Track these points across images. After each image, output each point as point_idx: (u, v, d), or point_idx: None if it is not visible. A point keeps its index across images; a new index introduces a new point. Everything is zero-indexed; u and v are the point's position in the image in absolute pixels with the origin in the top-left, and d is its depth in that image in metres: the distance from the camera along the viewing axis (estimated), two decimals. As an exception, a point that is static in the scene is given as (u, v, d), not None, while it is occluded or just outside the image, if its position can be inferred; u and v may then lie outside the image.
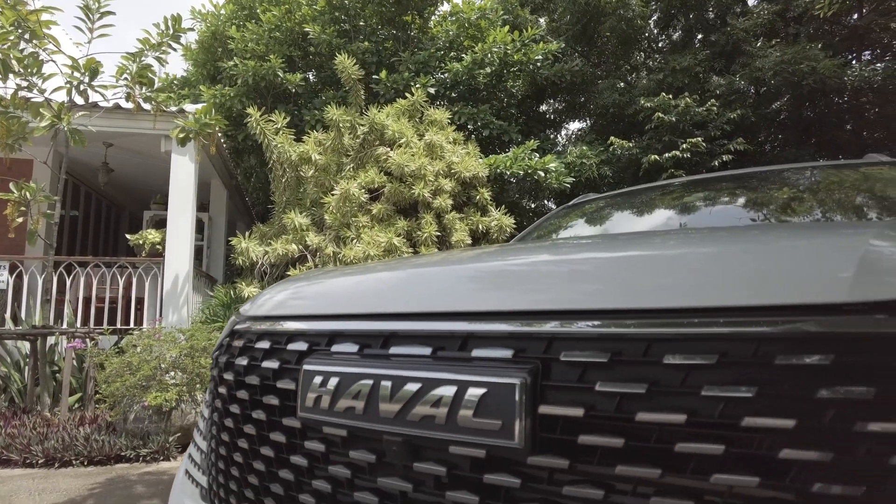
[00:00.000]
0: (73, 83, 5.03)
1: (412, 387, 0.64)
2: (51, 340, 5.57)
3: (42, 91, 5.13)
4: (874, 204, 1.70)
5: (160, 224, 8.05)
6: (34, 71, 5.05)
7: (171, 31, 5.80)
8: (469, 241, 6.69)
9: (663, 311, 0.55)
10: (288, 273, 6.33)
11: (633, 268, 0.62)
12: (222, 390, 0.99)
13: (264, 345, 0.91)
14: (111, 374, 4.67)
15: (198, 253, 8.99)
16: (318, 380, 0.74)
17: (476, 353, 0.64)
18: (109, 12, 5.50)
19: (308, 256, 6.54)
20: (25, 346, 5.51)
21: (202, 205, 9.51)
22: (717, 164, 7.40)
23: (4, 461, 4.14)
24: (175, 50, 5.92)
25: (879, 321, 0.48)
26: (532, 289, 0.65)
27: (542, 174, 7.26)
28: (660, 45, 10.45)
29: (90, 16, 5.46)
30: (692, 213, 2.00)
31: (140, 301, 6.78)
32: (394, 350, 0.71)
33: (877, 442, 0.45)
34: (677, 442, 0.50)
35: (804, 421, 0.47)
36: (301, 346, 0.83)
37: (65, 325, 6.09)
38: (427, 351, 0.68)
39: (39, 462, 4.13)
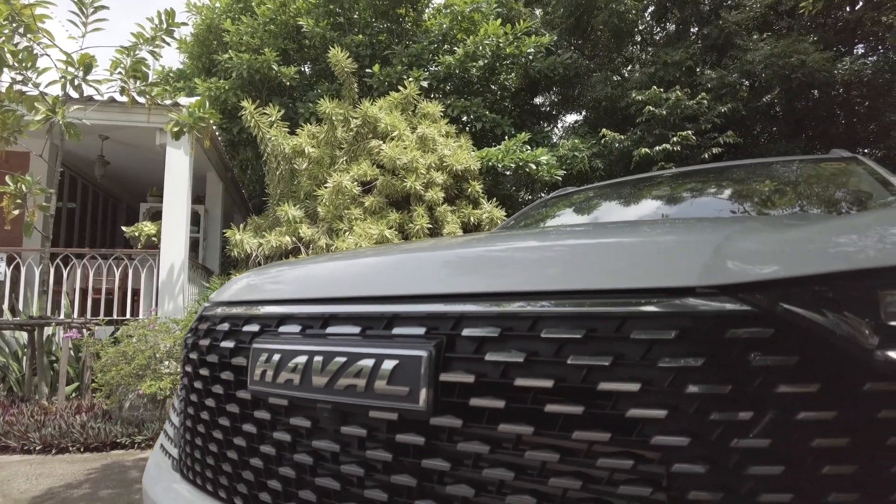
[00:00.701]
0: (67, 78, 5.08)
1: (339, 360, 0.73)
2: (48, 331, 5.67)
3: (37, 85, 5.19)
4: (815, 196, 1.79)
5: (156, 216, 8.13)
6: (28, 65, 5.11)
7: (164, 26, 5.85)
8: (460, 233, 6.78)
9: (544, 294, 0.64)
10: (281, 265, 6.42)
11: (522, 257, 0.71)
12: (189, 368, 1.08)
13: (224, 327, 1.00)
14: (107, 364, 4.78)
15: (194, 245, 9.09)
16: (263, 357, 0.83)
17: (396, 331, 0.73)
18: (103, 6, 5.55)
19: (301, 248, 6.63)
20: (23, 336, 5.60)
21: (198, 197, 9.59)
22: (707, 156, 7.46)
23: (3, 448, 4.25)
24: (168, 44, 5.97)
25: (721, 301, 0.57)
26: (443, 276, 0.74)
27: (534, 167, 7.33)
28: (656, 37, 10.48)
29: (84, 10, 5.51)
30: (650, 205, 2.09)
31: (136, 292, 6.87)
32: (330, 330, 0.80)
33: (703, 401, 0.54)
34: (546, 403, 0.59)
35: (647, 385, 0.56)
36: (254, 327, 0.92)
37: (62, 316, 6.19)
38: (357, 330, 0.77)
39: (37, 449, 4.23)
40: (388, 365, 0.68)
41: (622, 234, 0.75)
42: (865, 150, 10.63)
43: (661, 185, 2.19)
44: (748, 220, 0.76)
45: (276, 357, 0.81)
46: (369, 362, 0.70)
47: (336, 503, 0.74)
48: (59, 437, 4.28)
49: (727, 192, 1.96)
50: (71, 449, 4.30)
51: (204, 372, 1.01)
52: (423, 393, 0.65)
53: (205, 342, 1.04)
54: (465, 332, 0.66)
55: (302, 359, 0.77)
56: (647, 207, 2.03)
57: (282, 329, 0.87)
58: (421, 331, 0.70)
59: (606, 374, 0.57)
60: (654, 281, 0.61)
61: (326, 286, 0.87)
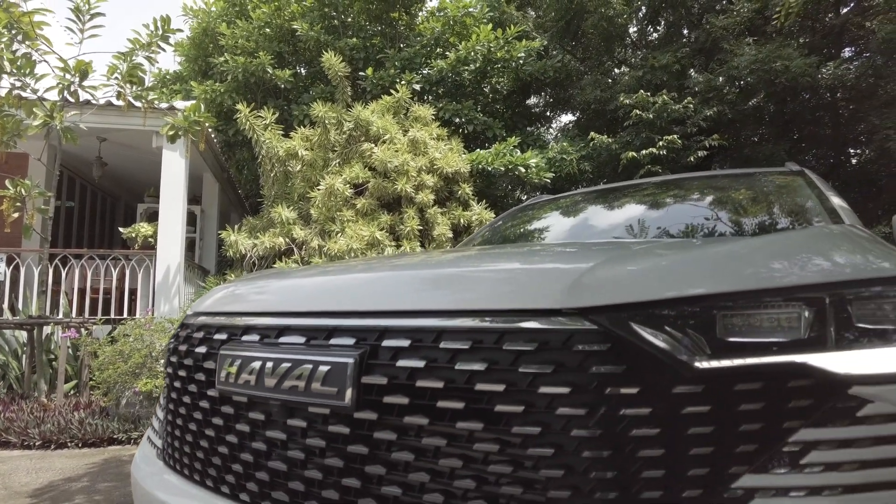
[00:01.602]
0: (64, 84, 5.23)
1: (285, 365, 0.89)
2: (47, 330, 5.82)
3: (35, 91, 5.34)
4: (750, 210, 1.95)
5: (154, 216, 8.28)
6: (27, 72, 5.25)
7: (160, 32, 5.99)
8: (451, 235, 6.93)
9: (445, 312, 0.80)
10: (274, 265, 6.58)
11: (433, 280, 0.87)
12: (170, 370, 1.24)
13: (199, 335, 1.16)
14: (104, 362, 4.94)
15: (190, 245, 9.24)
16: (228, 361, 1.00)
17: (333, 341, 0.89)
18: (99, 13, 5.69)
19: (294, 249, 6.79)
20: (23, 334, 5.76)
21: (195, 197, 9.74)
22: (692, 159, 7.61)
23: (3, 443, 4.40)
24: (164, 50, 6.11)
25: (574, 320, 0.73)
26: (372, 295, 0.90)
27: (523, 170, 7.49)
28: (649, 38, 10.63)
29: (81, 17, 5.65)
30: (602, 216, 2.25)
31: (133, 292, 7.03)
32: (282, 339, 0.96)
33: (552, 400, 0.70)
34: (439, 400, 0.75)
35: (511, 386, 0.72)
36: (223, 335, 1.08)
37: (60, 315, 6.35)
38: (303, 340, 0.93)
39: (36, 444, 4.39)
40: (323, 369, 0.84)
41: (511, 261, 0.92)
42: (857, 151, 10.80)
43: (620, 197, 2.35)
44: (619, 249, 0.92)
45: (238, 362, 0.97)
46: (308, 367, 0.86)
47: (285, 482, 0.90)
48: (58, 433, 4.44)
49: (674, 205, 2.13)
50: (70, 444, 4.45)
51: (182, 373, 1.17)
52: (348, 392, 0.81)
53: (183, 347, 1.20)
54: (385, 342, 0.82)
55: (257, 364, 0.93)
56: (599, 219, 2.19)
57: (244, 338, 1.03)
58: (351, 341, 0.86)
59: (483, 377, 0.73)
60: (528, 303, 0.77)
61: (281, 302, 1.03)
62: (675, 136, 7.47)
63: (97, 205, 10.62)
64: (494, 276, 0.84)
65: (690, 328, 0.73)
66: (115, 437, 4.57)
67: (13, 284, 6.63)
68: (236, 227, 7.21)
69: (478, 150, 8.10)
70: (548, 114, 11.26)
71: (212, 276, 8.15)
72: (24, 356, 5.64)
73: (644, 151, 7.47)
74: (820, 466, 0.66)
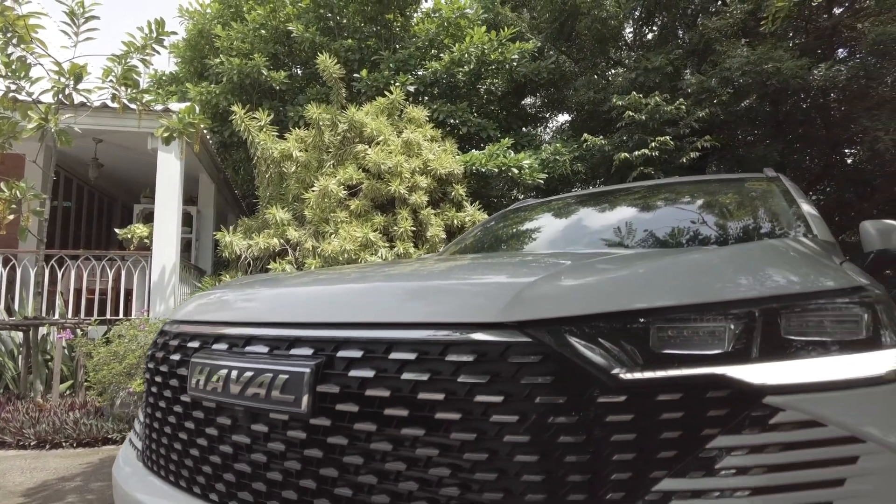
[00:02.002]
0: (58, 87, 5.27)
1: (248, 374, 0.94)
2: (43, 330, 5.87)
3: (30, 94, 5.38)
4: (720, 215, 2.00)
5: (150, 217, 8.32)
6: (22, 75, 5.30)
7: (154, 35, 6.03)
8: (444, 236, 6.98)
9: (395, 324, 0.86)
10: (269, 266, 6.63)
11: (387, 293, 0.92)
12: (148, 375, 1.29)
13: (175, 342, 1.22)
14: (99, 363, 4.99)
15: (186, 245, 9.28)
16: (198, 368, 1.05)
17: (293, 351, 0.94)
18: (94, 17, 5.73)
19: (289, 250, 6.84)
20: (19, 335, 5.81)
21: (191, 198, 9.78)
22: (685, 160, 7.66)
23: (-1, 443, 4.46)
24: (159, 53, 6.15)
25: (510, 333, 0.79)
26: (331, 307, 0.96)
27: (516, 171, 7.54)
28: (645, 39, 10.67)
29: (75, 20, 5.69)
30: (588, 222, 2.30)
31: (129, 292, 7.08)
32: (248, 349, 1.02)
33: (486, 408, 0.75)
34: (386, 408, 0.80)
35: (450, 395, 0.77)
36: (195, 343, 1.14)
37: (56, 316, 6.40)
38: (267, 350, 0.98)
39: (32, 444, 4.44)
40: (282, 378, 0.90)
41: (461, 275, 0.97)
42: (852, 151, 10.86)
43: (598, 203, 2.40)
44: (564, 263, 0.97)
45: (207, 369, 1.03)
46: (269, 376, 0.91)
47: (249, 483, 0.95)
48: (53, 433, 4.49)
49: (649, 211, 2.18)
50: (64, 444, 4.50)
51: (158, 378, 1.22)
52: (304, 399, 0.86)
53: (160, 354, 1.25)
54: (339, 353, 0.88)
55: (223, 371, 0.98)
56: (575, 225, 2.24)
57: (214, 346, 1.09)
58: (310, 352, 0.91)
59: (425, 387, 0.79)
60: (471, 317, 0.82)
61: (249, 313, 1.08)
62: (668, 137, 7.52)
63: (94, 205, 10.67)
64: (442, 291, 0.89)
65: (619, 341, 0.78)
66: (109, 436, 4.62)
67: (9, 285, 6.67)
68: (231, 227, 7.25)
69: (472, 151, 8.16)
70: (544, 115, 11.31)
71: (208, 277, 8.20)
72: (20, 357, 5.69)
73: (637, 153, 7.52)
74: (733, 470, 0.71)
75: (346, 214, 6.87)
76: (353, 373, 0.84)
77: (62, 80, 5.33)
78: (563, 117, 11.90)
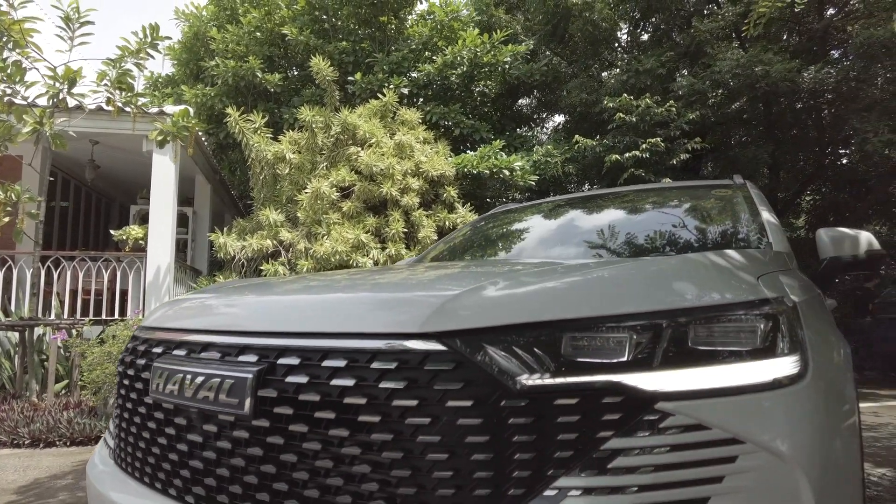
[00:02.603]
0: (53, 92, 5.35)
1: (200, 378, 1.02)
2: (39, 331, 5.96)
3: (25, 98, 5.46)
4: (686, 224, 2.08)
5: (147, 218, 8.39)
6: (17, 79, 5.38)
7: (149, 40, 6.11)
8: (435, 237, 7.06)
9: (329, 334, 0.93)
10: (262, 268, 6.71)
11: (323, 304, 1.00)
12: (118, 379, 1.38)
13: (143, 347, 1.30)
14: (93, 363, 5.07)
15: (182, 246, 9.38)
16: (159, 373, 1.13)
17: (241, 358, 1.02)
18: (88, 22, 5.81)
19: (282, 251, 6.92)
20: (15, 335, 5.90)
21: (187, 199, 9.87)
22: (675, 161, 7.73)
23: (-6, 442, 4.54)
24: (153, 57, 6.23)
25: (428, 343, 0.86)
26: (276, 317, 1.04)
27: (508, 172, 7.61)
28: (640, 41, 10.73)
29: (70, 25, 5.77)
30: (556, 229, 2.38)
31: (124, 293, 7.17)
32: (203, 355, 1.09)
33: (403, 411, 0.83)
34: (316, 410, 0.88)
35: (372, 399, 0.85)
36: (159, 349, 1.22)
37: (52, 316, 6.48)
38: (219, 356, 1.06)
39: (26, 443, 4.52)
40: (229, 382, 0.98)
41: (393, 288, 1.05)
42: (846, 151, 10.92)
43: (566, 209, 2.48)
44: (492, 275, 1.05)
45: (167, 373, 1.11)
46: (218, 380, 0.99)
47: (202, 478, 1.03)
48: (47, 432, 4.57)
49: (616, 218, 2.26)
50: (58, 443, 4.59)
51: (126, 381, 1.30)
52: (247, 402, 0.94)
53: (129, 358, 1.33)
54: (280, 360, 0.96)
55: (179, 376, 1.06)
56: (542, 231, 2.32)
57: (175, 352, 1.17)
58: (255, 358, 0.99)
59: (351, 392, 0.86)
60: (396, 327, 0.90)
61: (206, 321, 1.16)
62: (659, 139, 7.59)
63: (91, 205, 10.76)
64: (374, 303, 0.97)
65: (529, 349, 0.86)
66: (102, 435, 4.69)
67: (6, 286, 6.76)
68: (225, 229, 7.34)
69: (466, 152, 8.23)
70: (539, 115, 11.38)
71: (203, 277, 8.29)
72: (16, 357, 5.77)
73: (627, 154, 7.59)
74: (623, 469, 0.79)
75: (339, 216, 6.95)
76: (289, 378, 0.92)
77: (57, 84, 5.41)
78: (561, 118, 12.00)
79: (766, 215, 2.22)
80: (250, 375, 0.95)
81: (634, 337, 0.88)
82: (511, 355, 0.85)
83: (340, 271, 1.49)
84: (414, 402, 0.82)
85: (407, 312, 0.92)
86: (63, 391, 5.72)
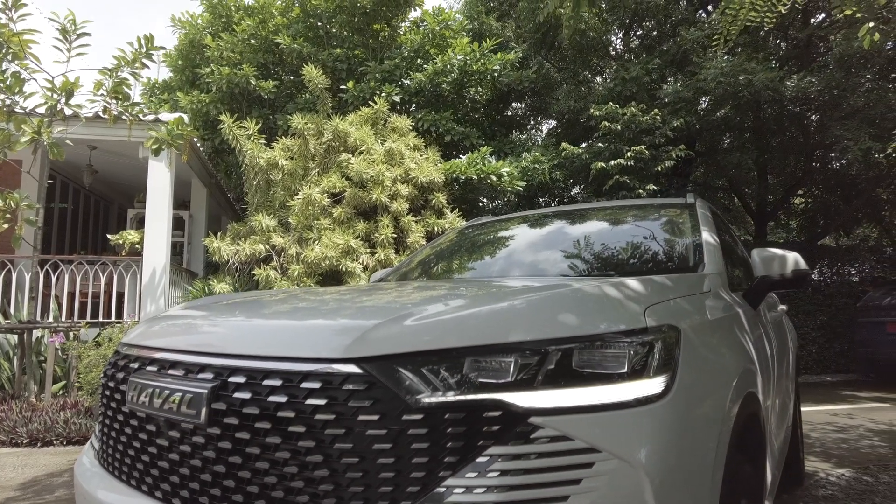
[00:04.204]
0: (51, 103, 5.54)
1: (166, 392, 1.21)
2: (37, 333, 6.15)
3: (24, 109, 5.65)
4: (627, 244, 2.27)
5: (144, 222, 8.61)
6: (17, 90, 5.57)
7: (144, 50, 6.29)
8: (424, 242, 7.25)
9: (269, 357, 1.13)
10: (254, 272, 6.90)
11: (266, 329, 1.20)
12: (101, 389, 1.57)
13: (123, 362, 1.49)
14: (89, 365, 5.27)
15: (179, 249, 9.57)
16: (134, 386, 1.32)
17: (200, 375, 1.21)
18: (86, 33, 6.00)
19: (274, 256, 7.11)
20: (14, 338, 6.09)
21: (184, 203, 10.06)
22: (660, 168, 7.92)
23: (-7, 441, 4.74)
24: (148, 67, 6.41)
25: (347, 366, 1.05)
26: (230, 339, 1.23)
27: (496, 178, 7.80)
28: (631, 47, 10.92)
29: (67, 37, 5.96)
30: (512, 245, 2.57)
31: (121, 296, 7.37)
32: (170, 372, 1.29)
33: (322, 425, 1.02)
34: (256, 421, 1.07)
35: (300, 414, 1.04)
36: (135, 364, 1.41)
37: (50, 319, 6.68)
38: (183, 373, 1.25)
39: (24, 442, 4.71)
40: (188, 396, 1.17)
41: (331, 315, 1.24)
42: (832, 156, 11.10)
43: (525, 226, 2.67)
44: (412, 305, 1.23)
45: (140, 386, 1.30)
46: (179, 394, 1.18)
47: (169, 476, 1.22)
48: (45, 432, 4.77)
49: (565, 237, 2.45)
50: (55, 442, 4.78)
51: (107, 392, 1.49)
52: (202, 413, 1.13)
53: (111, 371, 1.52)
54: (230, 378, 1.15)
55: (149, 389, 1.26)
56: (493, 249, 2.51)
57: (148, 368, 1.36)
58: (211, 376, 1.18)
59: (283, 407, 1.05)
60: (325, 353, 1.09)
61: (175, 341, 1.36)
62: (643, 147, 7.78)
63: (90, 208, 10.96)
64: (307, 330, 1.17)
65: (435, 371, 1.05)
66: (97, 435, 4.89)
67: (5, 289, 6.95)
68: (219, 233, 7.53)
69: (459, 157, 8.42)
70: (531, 121, 11.57)
71: (199, 280, 8.48)
72: (15, 358, 5.97)
73: (613, 162, 7.78)
74: (498, 472, 0.98)
75: (330, 221, 7.14)
76: (236, 394, 1.11)
77: (54, 96, 5.60)
78: (553, 123, 12.20)
79: (706, 236, 2.39)
80: (205, 390, 1.14)
81: (520, 361, 1.06)
82: (417, 376, 1.04)
83: (299, 292, 1.68)
84: (333, 416, 1.01)
85: (333, 340, 1.11)
86: (60, 392, 5.92)
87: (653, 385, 1.11)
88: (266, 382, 1.09)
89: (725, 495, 1.20)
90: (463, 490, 0.97)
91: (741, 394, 1.44)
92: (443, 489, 0.98)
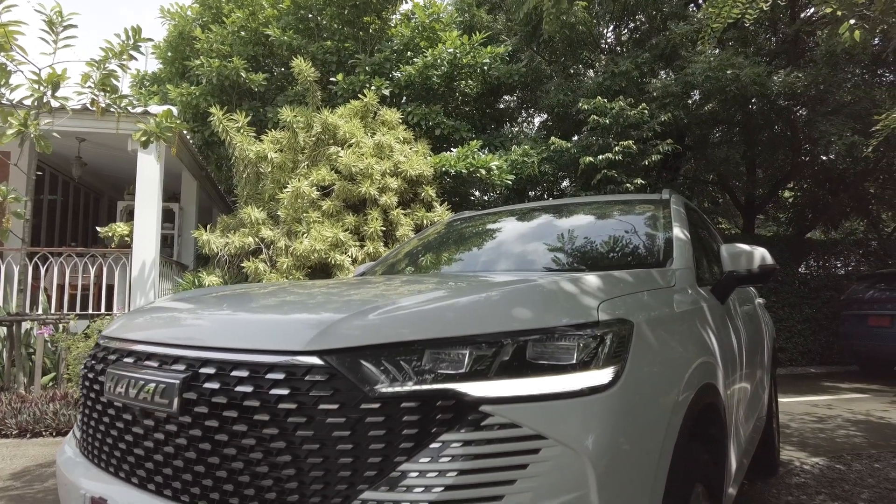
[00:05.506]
0: (37, 95, 5.53)
1: (141, 382, 1.27)
2: (26, 325, 6.17)
3: (10, 101, 5.64)
4: (599, 239, 2.33)
5: (133, 214, 8.61)
6: (2, 82, 5.55)
7: (131, 42, 6.28)
8: (413, 235, 7.30)
9: (236, 349, 1.18)
10: (242, 265, 6.93)
11: (235, 321, 1.26)
12: (81, 380, 1.62)
13: (101, 354, 1.54)
14: (78, 357, 5.31)
15: (169, 242, 9.58)
16: (111, 377, 1.38)
17: (173, 366, 1.27)
18: (72, 25, 5.98)
19: (263, 249, 7.15)
20: (3, 330, 6.11)
21: (174, 195, 10.05)
22: (647, 162, 7.99)
23: (-18, 432, 4.78)
24: (136, 59, 6.40)
25: (310, 358, 1.11)
26: (200, 332, 1.29)
27: (485, 172, 7.85)
28: (622, 40, 10.96)
29: (54, 28, 5.94)
30: (489, 240, 2.64)
31: (110, 288, 7.39)
32: (146, 363, 1.34)
33: (285, 414, 1.08)
34: (224, 410, 1.13)
35: (264, 403, 1.10)
36: (113, 356, 1.46)
37: (40, 311, 6.69)
38: (157, 364, 1.31)
39: (13, 433, 4.75)
40: (162, 386, 1.22)
41: (296, 310, 1.31)
42: (819, 150, 11.21)
43: (504, 221, 2.73)
44: (378, 299, 1.29)
45: (117, 377, 1.36)
46: (153, 384, 1.24)
47: (145, 462, 1.28)
48: (34, 423, 4.81)
49: (539, 232, 2.52)
50: (44, 433, 4.82)
51: (87, 383, 1.55)
52: (175, 402, 1.19)
53: (91, 363, 1.58)
54: (201, 370, 1.21)
55: (126, 380, 1.31)
56: (470, 244, 2.58)
57: (125, 359, 1.41)
58: (183, 367, 1.24)
59: (249, 397, 1.12)
60: (289, 345, 1.15)
61: (151, 333, 1.41)
62: (631, 141, 7.84)
63: (80, 200, 10.92)
64: (273, 323, 1.23)
65: (393, 362, 1.11)
66: (86, 426, 4.94)
67: (-6, 281, 6.95)
68: (209, 226, 7.55)
69: (449, 150, 8.46)
70: (521, 115, 11.60)
71: (189, 272, 8.50)
72: (4, 350, 5.99)
73: (601, 156, 7.84)
74: (450, 456, 1.05)
75: (319, 214, 7.17)
76: (206, 385, 1.17)
77: (41, 88, 5.59)
78: (546, 116, 12.24)
79: (677, 231, 2.45)
80: (177, 381, 1.20)
81: (475, 353, 1.13)
82: (376, 367, 1.10)
83: (279, 287, 1.73)
84: (295, 405, 1.07)
85: (297, 334, 1.16)
86: (50, 384, 5.95)
87: (601, 376, 1.17)
88: (234, 373, 1.15)
89: (674, 481, 1.27)
90: (417, 474, 1.04)
91: (696, 385, 1.51)
92: (398, 473, 1.04)
